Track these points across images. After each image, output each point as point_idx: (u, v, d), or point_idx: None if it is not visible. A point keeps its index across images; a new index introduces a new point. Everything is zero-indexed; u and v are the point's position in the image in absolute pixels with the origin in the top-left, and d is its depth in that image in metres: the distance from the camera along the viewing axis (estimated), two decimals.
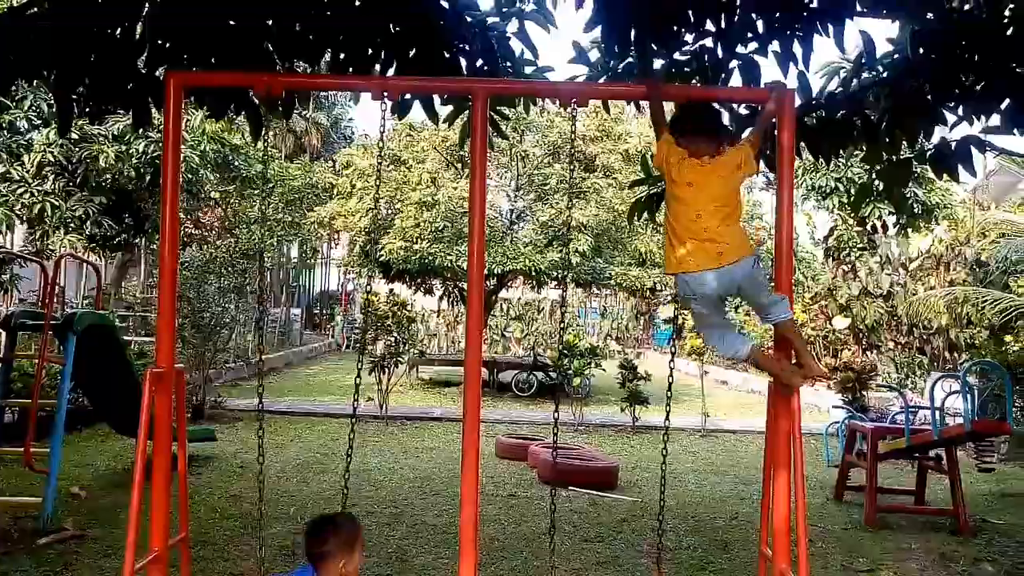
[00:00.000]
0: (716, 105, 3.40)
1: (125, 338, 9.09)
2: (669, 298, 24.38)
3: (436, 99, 4.44)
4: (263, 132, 4.07)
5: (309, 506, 6.66)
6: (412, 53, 4.19)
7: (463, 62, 4.33)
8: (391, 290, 17.69)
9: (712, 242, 3.00)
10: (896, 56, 4.59)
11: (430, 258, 15.92)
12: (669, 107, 3.31)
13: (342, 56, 4.32)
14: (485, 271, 3.10)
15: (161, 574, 3.13)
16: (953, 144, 4.56)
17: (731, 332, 3.28)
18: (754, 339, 3.20)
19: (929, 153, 4.73)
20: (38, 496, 5.83)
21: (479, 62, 4.31)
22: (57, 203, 12.05)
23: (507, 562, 5.45)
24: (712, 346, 3.27)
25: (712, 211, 3.02)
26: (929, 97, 4.50)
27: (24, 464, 5.99)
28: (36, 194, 11.91)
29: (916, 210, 17.51)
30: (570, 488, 7.70)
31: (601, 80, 4.41)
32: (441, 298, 23.22)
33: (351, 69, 4.32)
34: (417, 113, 4.70)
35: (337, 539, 2.98)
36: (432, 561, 5.38)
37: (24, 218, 12.26)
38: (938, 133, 4.90)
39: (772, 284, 3.20)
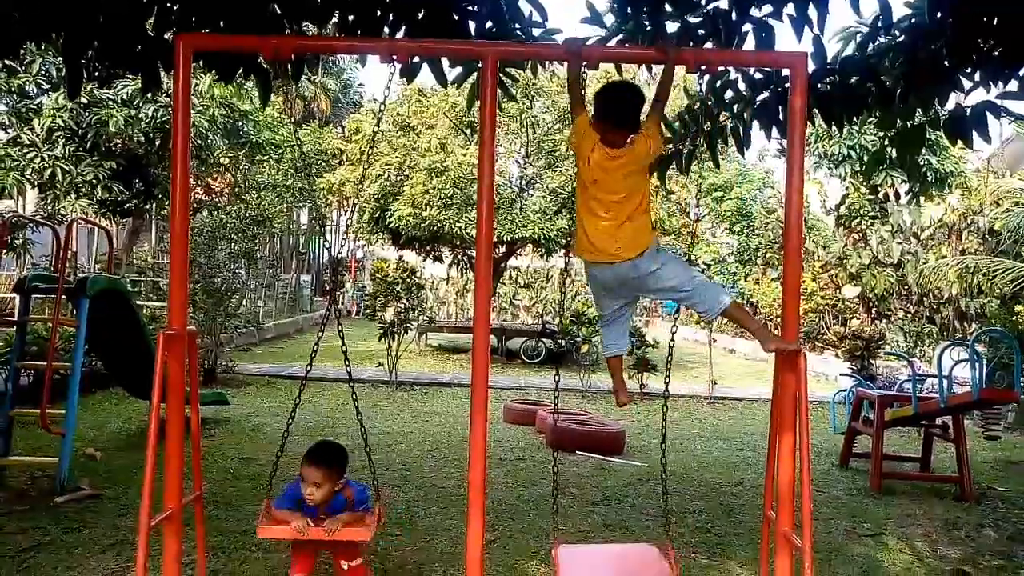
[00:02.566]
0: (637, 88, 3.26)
1: (137, 303, 9.16)
2: None
3: (444, 62, 4.40)
4: (271, 96, 4.07)
5: None
6: (420, 15, 4.15)
7: (472, 25, 4.28)
8: (400, 257, 17.72)
9: (612, 238, 2.99)
10: (913, 20, 4.51)
11: (439, 225, 15.90)
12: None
13: (350, 19, 4.28)
14: (494, 238, 3.10)
15: (176, 531, 3.20)
16: (968, 110, 4.50)
17: (623, 330, 3.34)
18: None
19: (944, 119, 4.66)
20: (54, 456, 5.93)
21: (488, 24, 4.26)
22: (67, 168, 12.09)
23: (514, 524, 5.53)
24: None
25: (617, 207, 2.99)
26: (946, 62, 4.43)
27: (40, 425, 6.08)
28: (47, 159, 11.95)
29: (929, 178, 17.32)
30: (577, 453, 7.78)
31: (613, 42, 4.35)
32: (450, 265, 23.25)
33: (359, 32, 4.29)
34: (426, 78, 4.66)
35: (343, 464, 3.47)
36: (441, 522, 5.47)
37: (35, 183, 12.31)
38: (953, 99, 4.84)
39: (694, 268, 3.21)
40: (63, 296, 6.35)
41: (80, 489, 5.75)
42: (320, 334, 3.41)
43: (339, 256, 22.23)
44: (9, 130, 12.35)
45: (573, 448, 7.86)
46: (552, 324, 16.55)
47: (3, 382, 7.38)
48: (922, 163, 16.58)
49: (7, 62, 11.12)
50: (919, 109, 4.73)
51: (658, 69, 3.23)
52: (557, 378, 3.60)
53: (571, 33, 3.15)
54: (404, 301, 12.94)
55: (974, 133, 4.51)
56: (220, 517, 5.28)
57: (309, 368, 3.54)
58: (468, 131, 17.32)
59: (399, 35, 4.19)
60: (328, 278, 30.28)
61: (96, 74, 4.53)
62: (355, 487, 3.51)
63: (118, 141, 12.66)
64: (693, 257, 18.19)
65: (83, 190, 12.41)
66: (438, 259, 20.33)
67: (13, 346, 6.61)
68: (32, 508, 5.37)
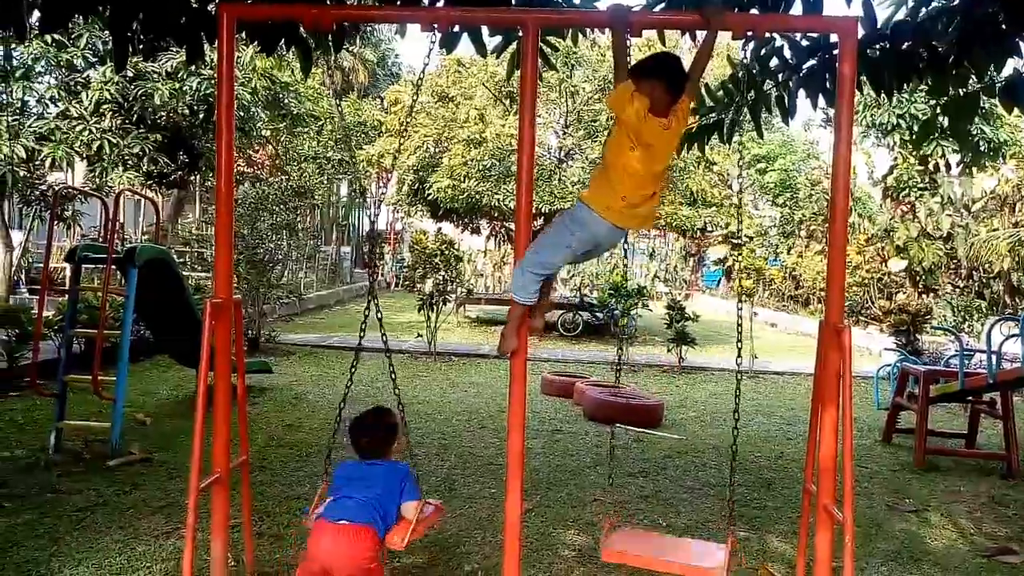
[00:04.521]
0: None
1: (182, 272, 9.38)
2: (720, 239, 24.06)
3: (484, 31, 4.37)
4: (312, 67, 4.09)
5: None
6: None
7: None
8: (439, 229, 17.78)
9: (638, 209, 2.97)
10: None
11: (477, 197, 15.90)
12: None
13: None
14: (533, 210, 3.08)
15: (223, 494, 3.29)
16: None
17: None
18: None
19: (1000, 86, 4.51)
20: (106, 422, 6.14)
21: None
22: (115, 140, 12.31)
23: (552, 493, 5.58)
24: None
25: (654, 179, 2.98)
26: (1003, 26, 4.26)
27: (93, 391, 6.28)
28: (94, 132, 12.17)
29: (982, 148, 16.75)
30: (616, 425, 7.79)
31: (657, 9, 4.27)
32: (488, 238, 23.27)
33: (398, 1, 4.28)
34: (465, 49, 4.64)
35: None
36: (479, 491, 5.54)
37: (84, 155, 12.56)
38: (1009, 65, 4.66)
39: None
40: (112, 266, 6.52)
41: (131, 453, 5.94)
42: (367, 308, 3.38)
43: (374, 227, 22.34)
44: (58, 103, 12.61)
45: (611, 421, 7.87)
46: (590, 297, 16.51)
47: (57, 349, 7.63)
48: (975, 132, 16.05)
49: (56, 36, 11.35)
50: (973, 76, 4.57)
51: (701, 36, 3.15)
52: (619, 353, 3.56)
53: (613, 0, 3.09)
54: (443, 273, 13.01)
55: None
56: (265, 482, 5.42)
57: (362, 336, 3.49)
58: (507, 101, 17.22)
59: (439, 4, 4.17)
60: (367, 250, 30.54)
61: (141, 47, 4.60)
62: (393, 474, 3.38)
63: (163, 114, 12.84)
64: (736, 229, 17.92)
65: (130, 162, 12.65)
66: (476, 231, 20.38)
67: (66, 315, 6.82)
68: (87, 470, 5.57)
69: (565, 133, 18.02)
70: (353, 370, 3.58)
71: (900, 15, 4.67)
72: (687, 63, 3.05)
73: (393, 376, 3.62)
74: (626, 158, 2.91)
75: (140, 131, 12.68)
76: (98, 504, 4.91)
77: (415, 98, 3.84)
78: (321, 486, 3.42)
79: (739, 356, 3.40)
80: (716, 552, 3.24)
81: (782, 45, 4.88)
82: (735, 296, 13.59)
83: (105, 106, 12.39)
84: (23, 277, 13.63)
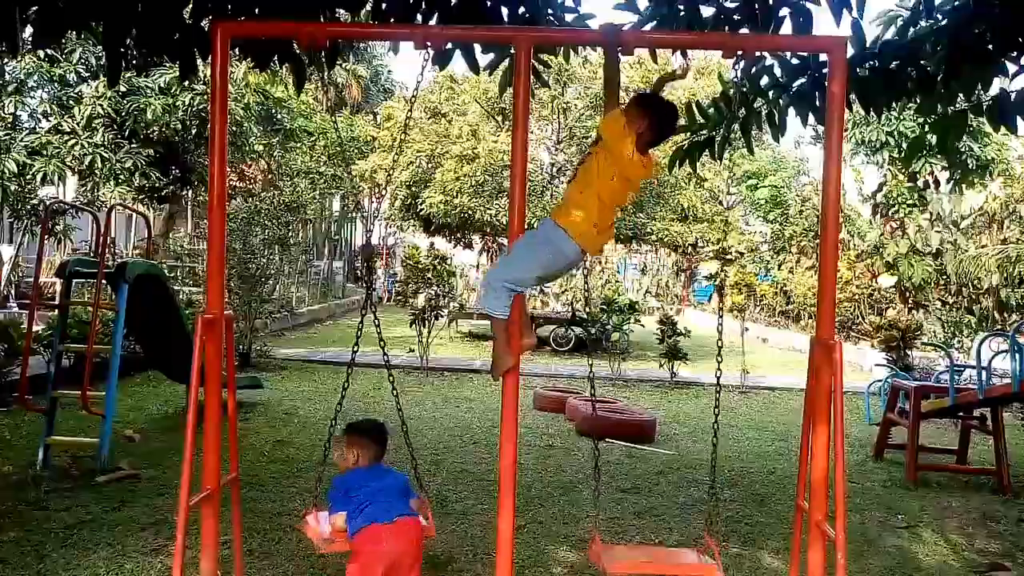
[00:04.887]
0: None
1: (174, 287, 9.35)
2: (711, 254, 24.14)
3: (477, 48, 4.40)
4: (305, 83, 4.11)
5: None
6: (453, 1, 4.15)
7: (504, 10, 4.27)
8: (431, 244, 17.78)
9: (601, 236, 3.05)
10: (956, 3, 4.40)
11: (470, 212, 15.94)
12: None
13: (383, 5, 4.30)
14: (525, 225, 3.09)
15: (213, 511, 3.26)
16: (1013, 95, 4.39)
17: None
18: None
19: (987, 104, 4.56)
20: (95, 437, 6.09)
21: (520, 9, 4.25)
22: (107, 155, 12.31)
23: (544, 509, 5.55)
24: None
25: (618, 210, 3.12)
26: (990, 46, 4.32)
27: (81, 407, 6.23)
28: (86, 146, 12.17)
29: (970, 165, 16.93)
30: (607, 440, 7.78)
31: (648, 27, 4.31)
32: (480, 252, 23.30)
33: (392, 19, 4.30)
34: (458, 66, 4.67)
35: (382, 441, 3.52)
36: (472, 506, 5.51)
37: (75, 170, 12.55)
38: (996, 85, 4.72)
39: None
40: (103, 280, 6.49)
41: (120, 469, 5.89)
42: (362, 322, 3.41)
43: (366, 241, 22.40)
44: (50, 118, 12.61)
45: (603, 436, 7.86)
46: (582, 312, 16.50)
47: (47, 364, 7.57)
48: (963, 150, 16.21)
49: (49, 51, 11.37)
50: (961, 94, 4.62)
51: (693, 55, 3.19)
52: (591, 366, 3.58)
53: (605, 19, 3.12)
54: (435, 288, 13.00)
55: (1019, 119, 4.40)
56: (255, 498, 5.38)
57: (356, 350, 3.47)
58: (499, 118, 17.31)
59: (432, 22, 4.20)
60: (360, 264, 30.52)
61: (134, 62, 4.61)
62: (399, 477, 3.50)
63: (155, 129, 12.85)
64: (726, 246, 18.02)
65: (122, 177, 12.64)
66: (468, 246, 20.40)
67: (55, 329, 6.78)
68: (75, 487, 5.52)
69: (557, 149, 18.11)
70: (346, 386, 3.57)
71: (888, 35, 4.73)
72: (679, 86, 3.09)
73: (395, 392, 3.65)
74: (605, 186, 2.96)
75: (132, 146, 12.69)
76: (86, 521, 4.86)
77: (409, 114, 3.86)
78: (312, 503, 3.44)
79: (719, 357, 3.45)
80: (706, 557, 3.27)
81: (772, 64, 4.94)
82: (728, 310, 13.61)
83: (97, 121, 12.41)
84: (13, 291, 13.56)
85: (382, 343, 3.62)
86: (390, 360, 3.78)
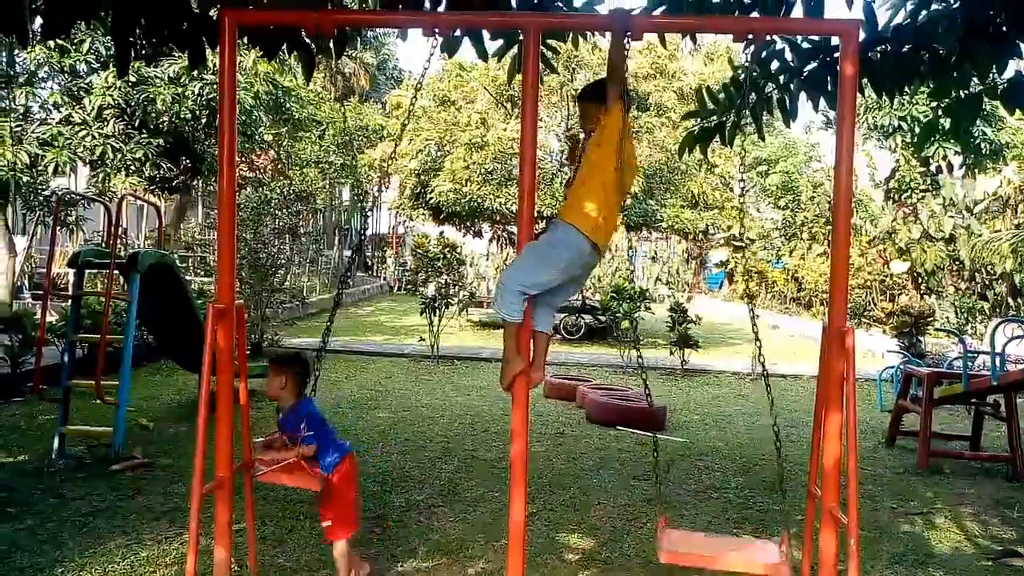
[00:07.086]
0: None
1: (185, 277, 9.39)
2: (722, 241, 24.04)
3: (486, 35, 4.37)
4: (314, 72, 4.11)
5: (364, 439, 6.88)
6: None
7: None
8: (441, 233, 17.77)
9: (609, 227, 3.06)
10: None
11: (479, 200, 15.90)
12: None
13: None
14: (534, 213, 3.09)
15: (226, 499, 3.29)
16: None
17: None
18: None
19: (1001, 88, 4.50)
20: (109, 426, 6.14)
21: None
22: (117, 146, 12.35)
23: (555, 497, 5.57)
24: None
25: (623, 198, 3.09)
26: (1004, 28, 4.26)
27: (96, 396, 6.28)
28: (97, 137, 12.21)
29: (984, 149, 16.77)
30: (618, 428, 7.79)
31: (657, 12, 4.27)
32: (490, 241, 23.27)
33: (400, 6, 4.28)
34: (466, 53, 4.65)
35: (297, 372, 3.81)
36: (483, 494, 5.53)
37: (86, 161, 12.60)
38: (1011, 67, 4.66)
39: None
40: (115, 271, 6.52)
41: (134, 458, 5.94)
42: (334, 312, 3.53)
43: (364, 232, 22.35)
44: (61, 109, 12.65)
45: (614, 423, 7.87)
46: (592, 300, 16.49)
47: (60, 354, 7.64)
48: (976, 134, 16.06)
49: (59, 42, 11.39)
50: (975, 77, 4.56)
51: (703, 39, 3.17)
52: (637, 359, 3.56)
53: (614, 4, 3.10)
54: (445, 276, 13.01)
55: None
56: (268, 486, 5.40)
57: (326, 340, 3.72)
58: (508, 105, 17.23)
59: (440, 8, 4.18)
60: (370, 254, 30.56)
61: (144, 52, 4.61)
62: (313, 418, 3.66)
63: (165, 119, 12.87)
64: (738, 232, 17.92)
65: (132, 167, 12.68)
66: (478, 235, 20.37)
67: (69, 319, 6.83)
68: (90, 475, 5.57)
69: (567, 136, 18.01)
70: (318, 373, 3.70)
71: (900, 17, 4.67)
72: (691, 64, 3.07)
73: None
74: (611, 176, 2.97)
75: (143, 136, 12.72)
76: (101, 509, 4.91)
77: (413, 101, 3.84)
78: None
79: (757, 341, 3.39)
80: (771, 548, 3.20)
81: (783, 48, 4.89)
82: (739, 297, 13.56)
83: (108, 111, 12.43)
84: (26, 282, 13.66)
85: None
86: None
